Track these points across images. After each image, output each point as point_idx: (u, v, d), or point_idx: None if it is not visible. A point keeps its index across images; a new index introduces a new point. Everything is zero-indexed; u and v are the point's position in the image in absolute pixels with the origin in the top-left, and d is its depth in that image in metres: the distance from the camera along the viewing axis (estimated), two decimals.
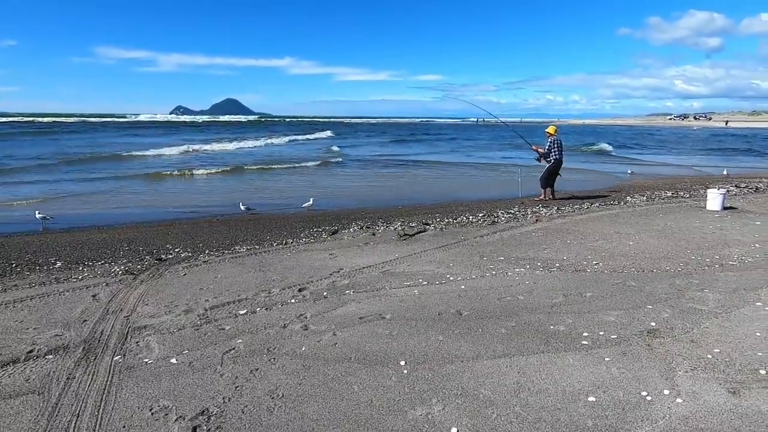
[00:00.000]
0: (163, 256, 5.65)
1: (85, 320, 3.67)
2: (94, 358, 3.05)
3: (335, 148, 27.51)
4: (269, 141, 32.34)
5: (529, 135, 13.30)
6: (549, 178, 9.89)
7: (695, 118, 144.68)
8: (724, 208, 8.14)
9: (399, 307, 3.86)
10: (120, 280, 4.70)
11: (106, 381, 2.77)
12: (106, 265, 5.33)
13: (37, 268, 5.25)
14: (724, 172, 16.00)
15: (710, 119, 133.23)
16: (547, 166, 9.85)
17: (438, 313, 3.72)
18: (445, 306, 3.88)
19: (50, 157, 19.70)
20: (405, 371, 2.84)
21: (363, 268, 5.01)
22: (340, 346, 3.19)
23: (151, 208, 9.48)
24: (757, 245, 5.80)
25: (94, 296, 4.22)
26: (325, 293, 4.22)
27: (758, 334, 3.29)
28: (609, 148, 29.92)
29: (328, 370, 2.87)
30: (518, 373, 2.80)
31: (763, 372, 2.78)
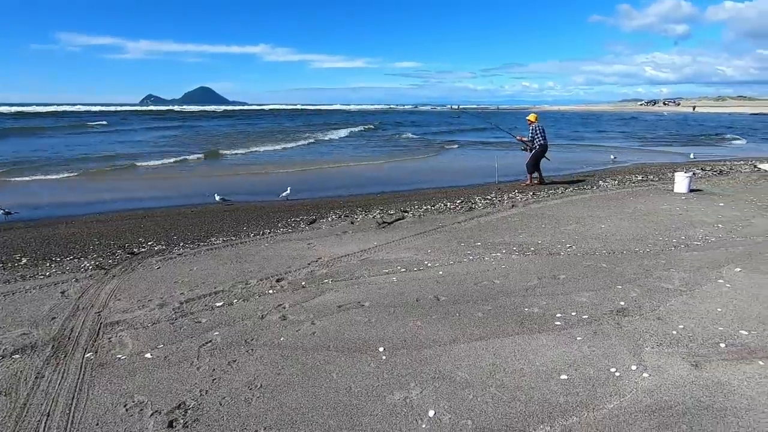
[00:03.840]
0: (135, 250, 5.51)
1: (54, 317, 3.56)
2: (65, 356, 2.96)
3: (412, 135, 28.18)
4: (332, 136, 28.61)
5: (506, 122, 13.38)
6: (536, 164, 10.09)
7: (664, 103, 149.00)
8: (691, 191, 8.45)
9: (377, 295, 3.88)
10: (90, 276, 4.55)
11: (78, 379, 2.70)
12: (75, 260, 5.16)
13: (1, 265, 5.03)
14: (691, 156, 16.59)
15: (679, 104, 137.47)
16: (533, 152, 10.03)
17: (416, 299, 3.76)
18: (423, 292, 3.92)
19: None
20: (383, 357, 2.87)
21: (341, 256, 5.00)
22: (319, 334, 3.19)
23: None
24: (720, 225, 6.06)
25: (62, 293, 4.09)
26: (303, 283, 4.21)
27: (719, 309, 3.45)
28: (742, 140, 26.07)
29: (307, 359, 2.88)
30: (494, 355, 2.87)
31: (722, 345, 2.93)
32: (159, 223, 7.03)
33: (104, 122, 38.34)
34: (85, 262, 5.03)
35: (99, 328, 3.35)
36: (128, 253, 5.36)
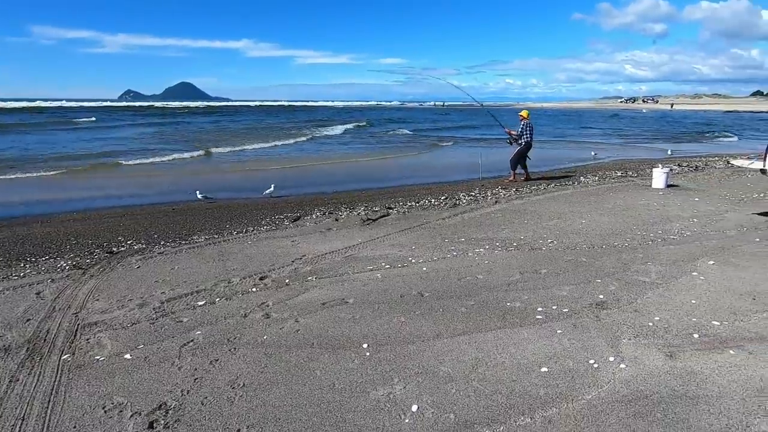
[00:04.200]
0: (114, 249, 5.39)
1: (29, 319, 3.46)
2: (40, 359, 2.89)
3: (406, 131, 28.76)
4: (324, 132, 28.38)
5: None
6: (519, 160, 10.20)
7: (644, 101, 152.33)
8: (668, 186, 8.68)
9: (362, 291, 3.89)
10: (67, 276, 4.44)
11: (54, 381, 2.64)
12: (51, 260, 5.03)
13: None
14: (669, 152, 17.00)
15: (657, 102, 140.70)
16: (518, 148, 10.14)
17: (400, 296, 3.78)
18: (407, 288, 3.94)
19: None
20: (367, 354, 2.88)
21: (326, 254, 4.99)
22: (303, 332, 3.18)
23: None
24: (695, 220, 6.25)
25: (38, 294, 3.98)
26: (287, 280, 4.18)
27: (693, 301, 3.56)
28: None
29: (291, 356, 2.87)
30: (476, 349, 2.91)
31: (696, 336, 3.03)
32: (139, 221, 6.89)
33: (93, 118, 37.21)
34: (62, 262, 4.90)
35: (76, 330, 3.28)
36: (107, 253, 5.25)
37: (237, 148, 18.19)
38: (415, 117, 50.39)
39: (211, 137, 22.75)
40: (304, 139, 22.72)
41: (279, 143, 20.76)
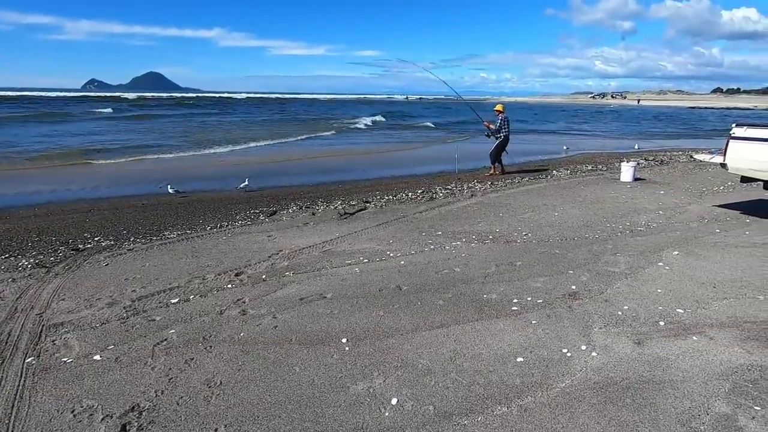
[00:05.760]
0: (80, 246, 5.17)
1: None
2: (2, 363, 2.75)
3: (430, 124, 30.13)
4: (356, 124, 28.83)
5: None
6: (498, 154, 10.35)
7: (612, 96, 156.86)
8: (635, 180, 9.00)
9: (340, 286, 3.87)
10: (29, 275, 4.24)
11: (18, 386, 2.52)
12: (12, 258, 4.78)
13: None
14: (635, 147, 17.61)
15: (625, 98, 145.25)
16: (497, 142, 10.28)
17: (378, 290, 3.79)
18: (385, 282, 3.95)
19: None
20: (346, 348, 2.88)
21: (303, 248, 4.94)
22: (281, 328, 3.15)
23: None
24: (661, 212, 6.51)
25: None
26: (263, 276, 4.12)
27: (659, 290, 3.72)
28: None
29: (269, 353, 2.83)
30: (454, 342, 2.95)
31: (662, 323, 3.16)
32: (106, 216, 6.63)
33: (109, 110, 35.31)
34: (23, 261, 4.67)
35: (41, 331, 3.14)
36: (72, 250, 5.03)
37: (266, 143, 17.52)
38: (420, 111, 49.51)
39: (234, 132, 21.27)
40: (329, 133, 22.52)
41: (311, 135, 20.43)
